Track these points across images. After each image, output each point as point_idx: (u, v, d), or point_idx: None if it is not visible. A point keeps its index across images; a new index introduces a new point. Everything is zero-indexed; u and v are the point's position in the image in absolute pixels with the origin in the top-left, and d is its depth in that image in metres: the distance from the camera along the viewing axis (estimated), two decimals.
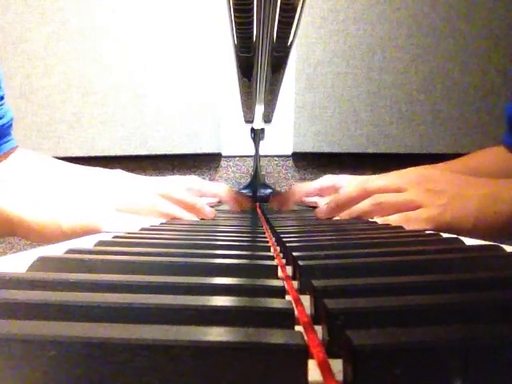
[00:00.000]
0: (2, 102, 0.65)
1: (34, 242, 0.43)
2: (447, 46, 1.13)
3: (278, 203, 0.69)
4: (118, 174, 0.54)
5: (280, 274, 0.24)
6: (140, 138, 1.15)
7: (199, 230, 0.40)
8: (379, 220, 0.46)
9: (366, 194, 0.48)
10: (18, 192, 0.42)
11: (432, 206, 0.42)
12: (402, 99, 1.14)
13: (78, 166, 0.63)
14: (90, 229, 0.41)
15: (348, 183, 0.60)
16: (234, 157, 1.19)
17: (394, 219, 0.43)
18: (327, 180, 0.65)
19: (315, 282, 0.17)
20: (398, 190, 0.46)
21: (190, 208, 0.52)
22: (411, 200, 0.43)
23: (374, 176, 0.55)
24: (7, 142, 0.65)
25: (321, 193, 0.66)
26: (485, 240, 0.31)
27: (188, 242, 0.31)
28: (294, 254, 0.24)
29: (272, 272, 0.21)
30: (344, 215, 0.49)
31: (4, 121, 0.64)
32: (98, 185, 0.49)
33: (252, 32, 0.38)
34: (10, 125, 0.66)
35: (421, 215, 0.41)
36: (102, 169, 0.56)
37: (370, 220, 0.48)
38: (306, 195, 0.67)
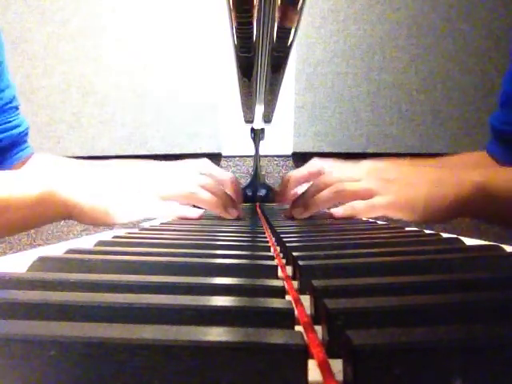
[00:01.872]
0: (18, 111, 0.68)
1: (87, 224, 0.47)
2: (447, 46, 1.13)
3: (288, 211, 0.68)
4: (156, 163, 0.56)
5: (280, 274, 0.24)
6: (140, 138, 1.15)
7: (199, 230, 0.40)
8: (343, 208, 0.49)
9: (325, 187, 0.50)
10: (71, 178, 0.45)
11: (387, 193, 0.46)
12: (402, 99, 1.14)
13: (107, 161, 0.64)
14: (136, 215, 0.45)
15: (329, 168, 0.61)
16: (234, 157, 1.19)
17: (360, 207, 0.47)
18: (313, 165, 0.65)
19: (315, 282, 0.17)
20: (353, 180, 0.49)
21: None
22: (368, 188, 0.47)
23: (338, 163, 0.58)
24: (24, 149, 0.69)
25: (309, 179, 0.66)
26: (444, 229, 0.31)
27: (188, 241, 0.31)
28: (294, 254, 0.24)
29: (272, 272, 0.21)
30: (308, 206, 0.50)
31: (20, 129, 0.67)
32: (140, 174, 0.51)
33: (252, 32, 0.38)
34: (26, 133, 0.70)
35: (381, 202, 0.44)
36: (136, 160, 0.57)
37: (370, 220, 0.48)
38: (298, 184, 0.67)
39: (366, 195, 0.47)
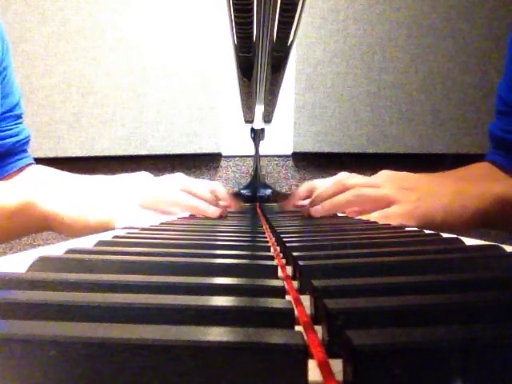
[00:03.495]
0: (20, 120, 0.68)
1: (65, 235, 0.47)
2: (447, 46, 1.13)
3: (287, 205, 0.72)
4: (142, 174, 0.56)
5: (280, 273, 0.24)
6: (140, 138, 1.15)
7: (199, 230, 0.40)
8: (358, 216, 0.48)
9: (344, 189, 0.50)
10: (52, 191, 0.46)
11: (405, 202, 0.45)
12: (402, 99, 1.14)
13: (98, 176, 0.65)
14: (113, 224, 0.45)
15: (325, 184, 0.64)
16: (234, 157, 1.19)
17: (374, 216, 0.46)
18: (305, 186, 0.70)
19: (315, 282, 0.17)
20: (374, 187, 0.49)
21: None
22: (387, 195, 0.47)
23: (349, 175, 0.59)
24: (22, 158, 0.68)
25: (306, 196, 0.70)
26: (460, 234, 0.32)
27: (188, 241, 0.31)
28: (294, 254, 0.24)
29: (272, 272, 0.21)
30: (326, 204, 0.50)
31: (19, 138, 0.67)
32: (122, 185, 0.51)
33: (252, 32, 0.38)
34: (26, 142, 0.70)
35: (397, 211, 0.44)
36: (125, 174, 0.57)
37: (370, 220, 0.48)
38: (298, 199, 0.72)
39: (384, 202, 0.46)
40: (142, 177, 0.55)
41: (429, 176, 0.50)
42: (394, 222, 0.44)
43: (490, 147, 0.68)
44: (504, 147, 0.63)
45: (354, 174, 0.60)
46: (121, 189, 0.50)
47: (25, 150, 0.70)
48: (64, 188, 0.48)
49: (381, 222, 0.44)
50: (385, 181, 0.49)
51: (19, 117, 0.68)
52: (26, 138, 0.69)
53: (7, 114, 0.65)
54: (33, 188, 0.45)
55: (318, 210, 0.51)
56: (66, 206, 0.44)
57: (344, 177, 0.61)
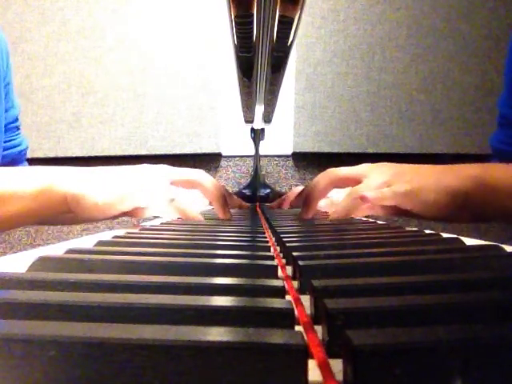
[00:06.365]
0: (19, 131, 0.72)
1: (86, 220, 0.46)
2: (447, 46, 1.13)
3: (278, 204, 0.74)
4: (164, 166, 0.55)
5: (280, 274, 0.24)
6: (140, 137, 1.15)
7: (199, 230, 0.40)
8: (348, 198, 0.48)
9: (329, 182, 0.51)
10: (70, 172, 0.45)
11: (400, 182, 0.45)
12: (402, 99, 1.14)
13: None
14: (125, 206, 0.44)
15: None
16: (234, 157, 1.19)
17: (370, 195, 0.45)
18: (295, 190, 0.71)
19: (315, 282, 0.17)
20: (358, 177, 0.49)
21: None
22: (381, 182, 0.46)
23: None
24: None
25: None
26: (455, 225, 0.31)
27: (188, 241, 0.31)
28: (294, 254, 0.24)
29: (272, 272, 0.21)
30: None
31: (20, 148, 0.70)
32: (147, 173, 0.51)
33: (252, 32, 0.38)
34: (25, 153, 0.73)
35: (395, 190, 0.44)
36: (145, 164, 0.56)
37: (370, 220, 0.48)
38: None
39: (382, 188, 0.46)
40: (166, 168, 0.54)
41: (408, 164, 0.51)
42: (391, 203, 0.44)
43: (491, 158, 0.68)
44: (504, 158, 0.63)
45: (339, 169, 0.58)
46: (147, 176, 0.49)
47: (24, 160, 0.74)
48: (82, 171, 0.47)
49: (378, 203, 0.45)
50: (370, 169, 0.49)
51: (18, 128, 0.72)
52: (26, 147, 0.73)
53: (10, 126, 0.69)
54: (51, 170, 0.45)
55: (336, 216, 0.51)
56: (82, 185, 0.43)
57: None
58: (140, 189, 0.46)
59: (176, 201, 0.48)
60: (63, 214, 0.46)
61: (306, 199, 0.52)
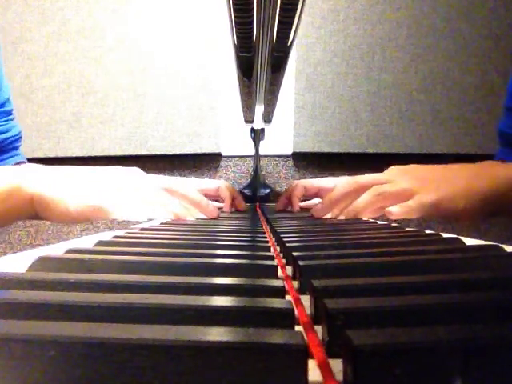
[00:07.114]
0: (11, 116, 0.66)
1: (54, 222, 0.45)
2: (447, 46, 1.13)
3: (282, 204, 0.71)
4: (134, 169, 0.54)
5: (280, 274, 0.24)
6: (140, 138, 1.15)
7: (199, 230, 0.40)
8: (378, 213, 0.47)
9: (359, 187, 0.49)
10: (39, 175, 0.44)
11: (425, 191, 0.44)
12: (402, 99, 1.14)
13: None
14: (96, 211, 0.43)
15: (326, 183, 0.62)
16: (234, 157, 1.19)
17: (396, 210, 0.44)
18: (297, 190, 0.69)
19: (315, 282, 0.17)
20: (389, 183, 0.47)
21: (196, 205, 0.53)
22: (406, 188, 0.45)
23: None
24: (13, 156, 0.66)
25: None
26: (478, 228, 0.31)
27: (188, 241, 0.31)
28: (294, 254, 0.24)
29: (272, 272, 0.21)
30: (349, 211, 0.49)
31: (8, 135, 0.65)
32: (117, 176, 0.50)
33: (252, 32, 0.38)
34: (17, 139, 0.67)
35: (420, 200, 0.42)
36: (116, 167, 0.55)
37: (370, 220, 0.48)
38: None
39: (406, 196, 0.45)
40: (136, 172, 0.53)
41: (438, 166, 0.49)
42: (417, 215, 0.43)
43: (497, 147, 0.67)
44: None
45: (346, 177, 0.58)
46: (117, 180, 0.48)
47: (16, 148, 0.68)
48: (52, 172, 0.45)
49: (402, 217, 0.43)
50: (397, 175, 0.48)
51: (9, 113, 0.67)
52: (17, 134, 0.68)
53: None
54: (20, 172, 0.44)
55: (336, 215, 0.50)
56: (51, 188, 0.42)
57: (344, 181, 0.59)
58: (117, 202, 0.44)
59: (167, 208, 0.48)
60: (35, 217, 0.44)
61: (325, 201, 0.51)
